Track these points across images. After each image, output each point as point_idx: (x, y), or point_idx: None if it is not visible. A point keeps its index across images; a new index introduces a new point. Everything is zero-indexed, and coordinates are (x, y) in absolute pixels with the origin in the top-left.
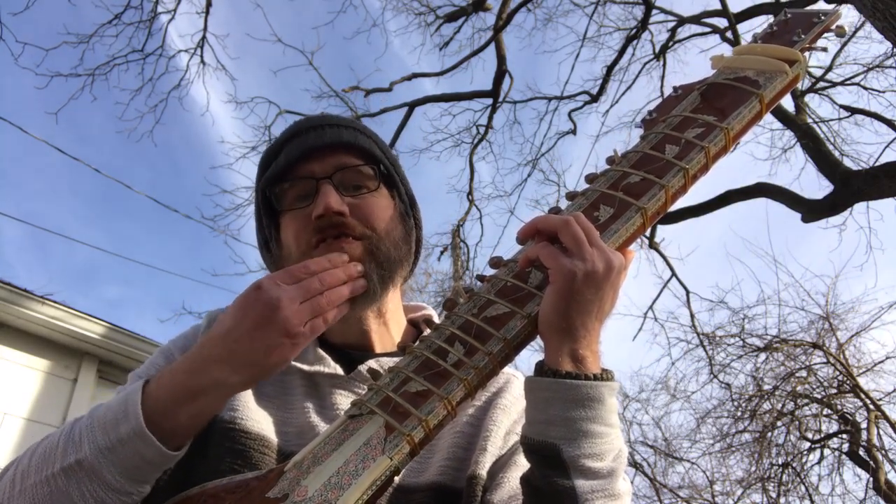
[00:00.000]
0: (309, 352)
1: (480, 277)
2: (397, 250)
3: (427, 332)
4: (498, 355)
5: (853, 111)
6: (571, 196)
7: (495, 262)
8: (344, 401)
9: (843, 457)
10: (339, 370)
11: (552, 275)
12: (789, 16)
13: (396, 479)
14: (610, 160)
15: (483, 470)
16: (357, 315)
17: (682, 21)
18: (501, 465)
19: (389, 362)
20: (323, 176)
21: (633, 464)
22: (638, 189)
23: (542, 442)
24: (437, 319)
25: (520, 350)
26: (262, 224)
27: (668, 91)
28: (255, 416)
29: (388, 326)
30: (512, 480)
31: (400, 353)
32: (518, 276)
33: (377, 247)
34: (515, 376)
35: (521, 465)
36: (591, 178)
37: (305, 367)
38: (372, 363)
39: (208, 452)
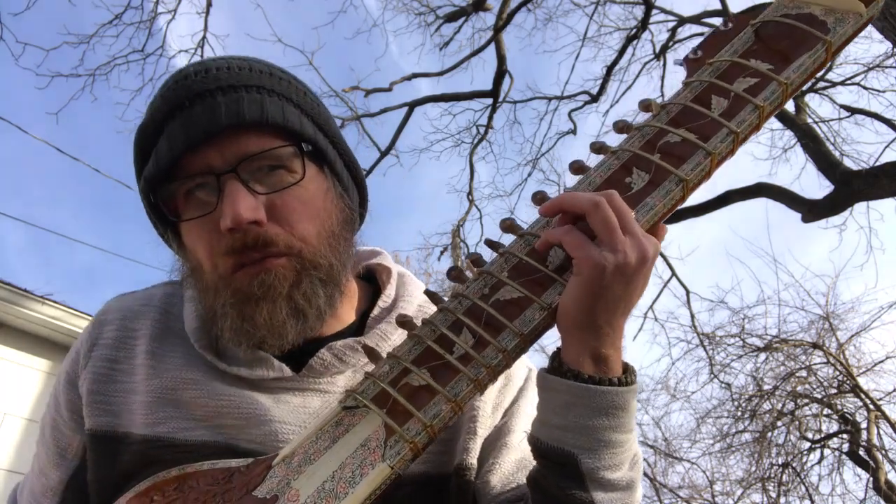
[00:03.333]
0: (242, 353)
1: (492, 244)
2: (335, 251)
3: (411, 301)
4: (513, 352)
5: (853, 111)
6: (598, 149)
7: (508, 226)
8: (298, 401)
9: (843, 457)
10: (286, 369)
11: (577, 265)
12: None
13: None
14: (645, 106)
15: (474, 458)
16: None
17: (682, 21)
18: (490, 447)
19: (345, 347)
20: (226, 169)
21: None
22: (679, 152)
23: (557, 449)
24: (388, 264)
25: (535, 341)
26: (157, 229)
27: (668, 92)
28: (190, 426)
29: (337, 310)
30: (505, 465)
31: (350, 332)
32: (534, 252)
33: (313, 261)
34: None
35: (513, 446)
36: (622, 128)
37: (244, 372)
38: (325, 353)
39: (144, 472)
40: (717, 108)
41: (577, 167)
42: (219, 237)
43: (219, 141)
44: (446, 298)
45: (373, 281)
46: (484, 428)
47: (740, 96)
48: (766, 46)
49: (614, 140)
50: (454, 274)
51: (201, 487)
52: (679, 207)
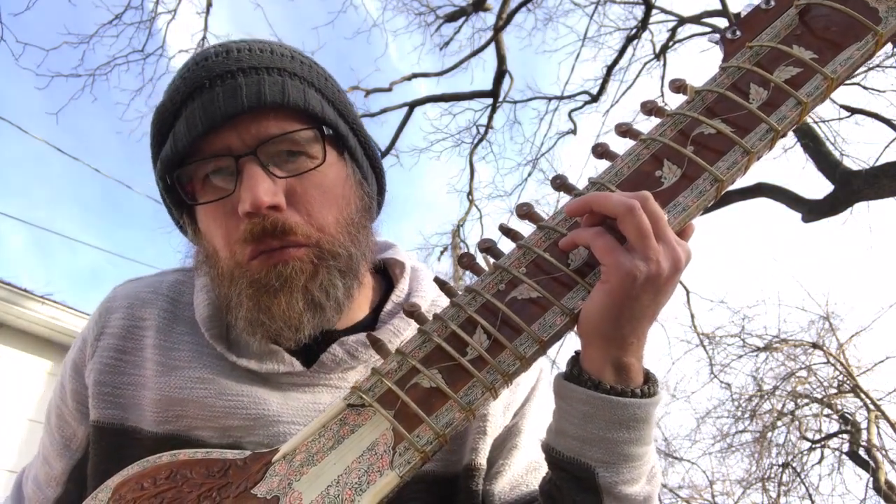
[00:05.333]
0: (252, 344)
1: (508, 232)
2: (354, 239)
3: (424, 296)
4: (531, 359)
5: (853, 111)
6: (624, 132)
7: (525, 213)
8: (308, 398)
9: (843, 457)
10: (297, 364)
11: (606, 273)
12: None
13: None
14: (678, 87)
15: (483, 458)
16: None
17: (682, 21)
18: (500, 447)
19: (357, 343)
20: (245, 152)
21: None
22: (714, 146)
23: (574, 461)
24: (401, 257)
25: (552, 345)
26: (172, 213)
27: (667, 93)
28: (199, 425)
29: (353, 303)
30: (514, 467)
31: (363, 326)
32: (556, 248)
33: (331, 250)
34: None
35: (523, 447)
36: (650, 109)
37: (253, 365)
38: (336, 348)
39: None
40: (755, 98)
41: (600, 151)
42: (236, 222)
43: (238, 123)
44: (456, 286)
45: (386, 275)
46: (494, 428)
47: (781, 88)
48: (811, 32)
49: (616, 141)
50: (466, 261)
51: (195, 479)
52: None
